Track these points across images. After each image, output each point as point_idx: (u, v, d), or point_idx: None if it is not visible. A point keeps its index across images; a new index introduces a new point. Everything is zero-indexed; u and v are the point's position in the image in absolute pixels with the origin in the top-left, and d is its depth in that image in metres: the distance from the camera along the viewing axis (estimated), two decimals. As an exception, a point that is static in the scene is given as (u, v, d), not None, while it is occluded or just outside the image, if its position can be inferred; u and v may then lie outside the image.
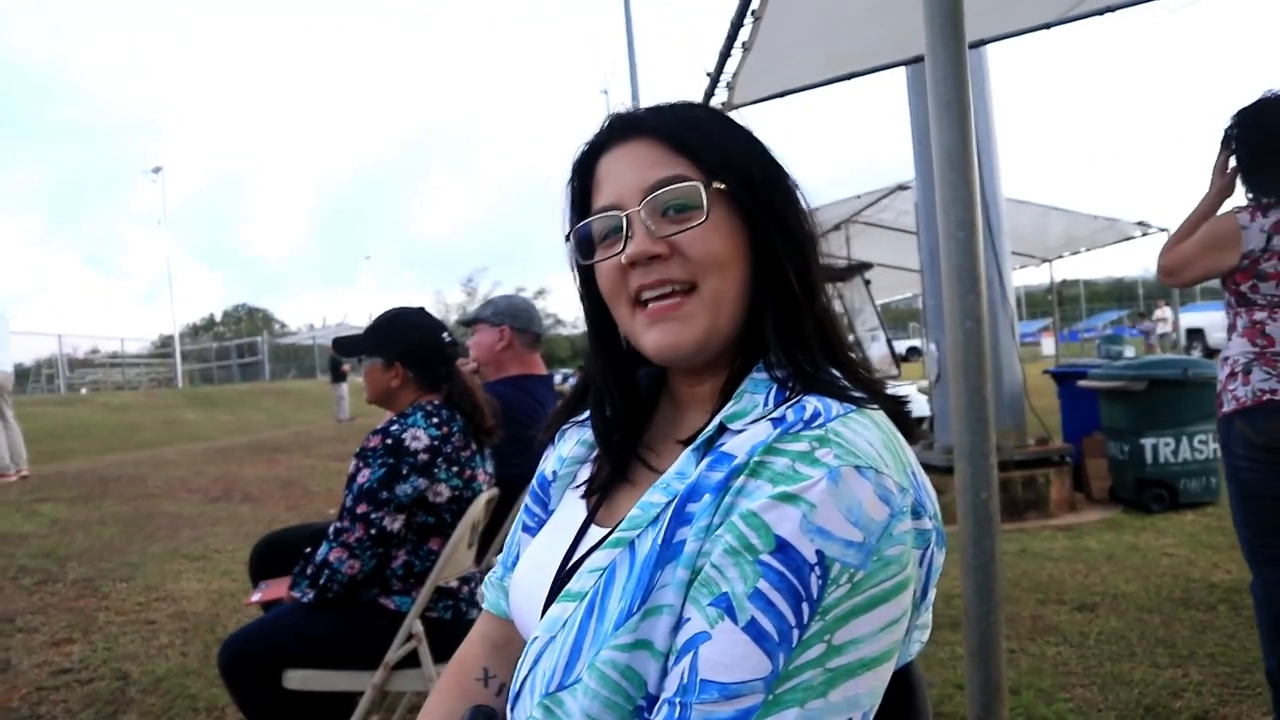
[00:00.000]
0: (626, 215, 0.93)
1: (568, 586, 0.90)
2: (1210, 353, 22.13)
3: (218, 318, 74.52)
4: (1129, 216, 10.56)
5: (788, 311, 0.93)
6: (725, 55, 3.92)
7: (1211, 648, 3.61)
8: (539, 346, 3.63)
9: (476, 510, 2.49)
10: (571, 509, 1.05)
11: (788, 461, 0.80)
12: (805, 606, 0.76)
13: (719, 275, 0.91)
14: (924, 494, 0.84)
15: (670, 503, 0.86)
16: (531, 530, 1.11)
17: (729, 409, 0.90)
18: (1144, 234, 10.68)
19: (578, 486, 1.06)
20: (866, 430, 0.83)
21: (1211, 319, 23.13)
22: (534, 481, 1.12)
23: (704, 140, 0.94)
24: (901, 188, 8.89)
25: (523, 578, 1.04)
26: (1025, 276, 14.00)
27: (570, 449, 1.09)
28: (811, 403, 0.85)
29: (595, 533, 0.98)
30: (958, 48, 1.57)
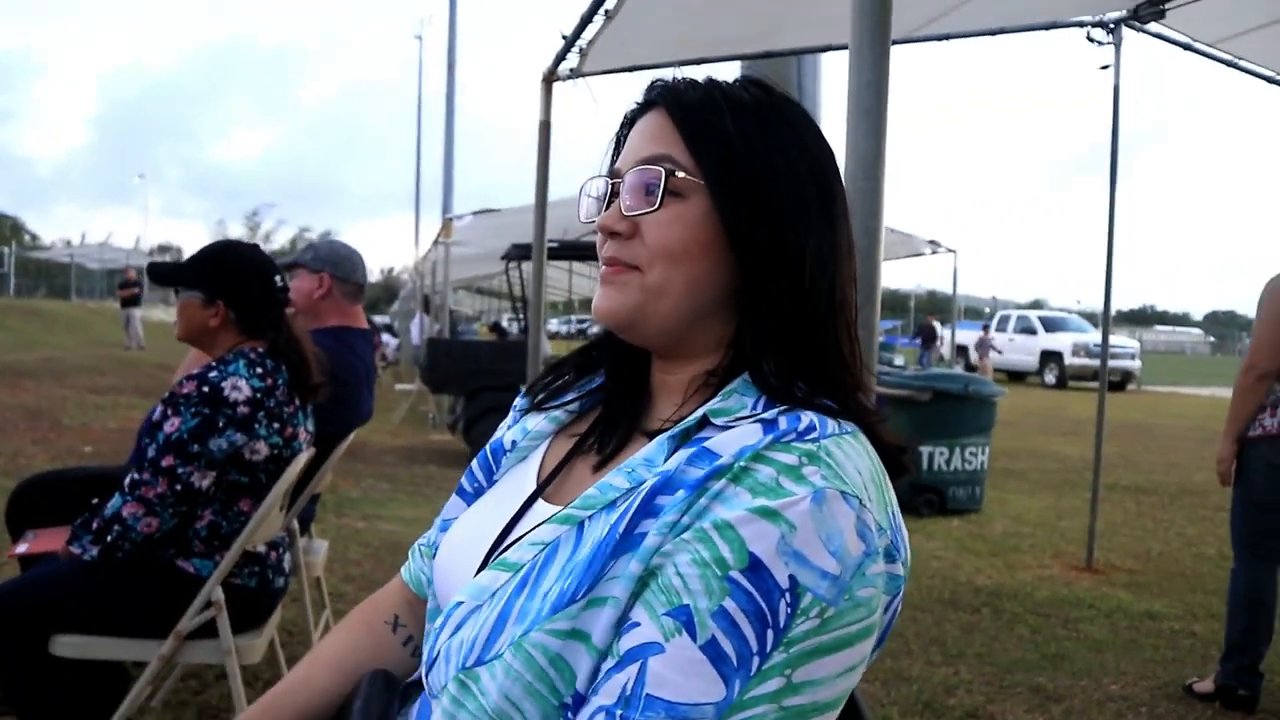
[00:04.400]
0: (613, 183, 0.91)
1: (504, 555, 0.85)
2: (969, 369, 23.96)
3: (-43, 220, 67.02)
4: (921, 234, 11.22)
5: (781, 329, 0.87)
6: (587, 20, 3.82)
7: (978, 648, 3.88)
8: (361, 298, 3.42)
9: (294, 471, 2.30)
10: (519, 480, 0.98)
11: (772, 472, 0.76)
12: (770, 634, 0.71)
13: (666, 266, 0.87)
14: (900, 538, 0.81)
15: (634, 489, 0.82)
16: (468, 496, 1.04)
17: (715, 404, 0.86)
18: (934, 251, 11.37)
19: (526, 460, 1.01)
20: (858, 456, 0.80)
21: (974, 338, 25.07)
22: (487, 446, 1.05)
23: (710, 124, 0.88)
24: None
25: (453, 544, 0.98)
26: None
27: (536, 423, 1.02)
28: (807, 415, 0.81)
29: (542, 508, 0.92)
30: (881, 56, 1.55)
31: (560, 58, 4.42)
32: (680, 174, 0.86)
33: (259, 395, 2.22)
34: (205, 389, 2.16)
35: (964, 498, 6.67)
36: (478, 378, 8.44)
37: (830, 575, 0.72)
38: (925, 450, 6.54)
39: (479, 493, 1.03)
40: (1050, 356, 23.09)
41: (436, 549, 1.01)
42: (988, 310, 31.49)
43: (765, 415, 0.82)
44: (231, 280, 2.33)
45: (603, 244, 0.92)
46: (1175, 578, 5.23)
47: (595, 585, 0.76)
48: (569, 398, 1.03)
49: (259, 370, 2.26)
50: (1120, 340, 24.35)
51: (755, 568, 0.72)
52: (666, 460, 0.83)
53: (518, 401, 1.09)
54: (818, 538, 0.72)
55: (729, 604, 0.71)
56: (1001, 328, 24.49)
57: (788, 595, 0.71)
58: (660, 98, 0.92)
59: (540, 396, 1.05)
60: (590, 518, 0.82)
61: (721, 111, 0.88)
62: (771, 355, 0.86)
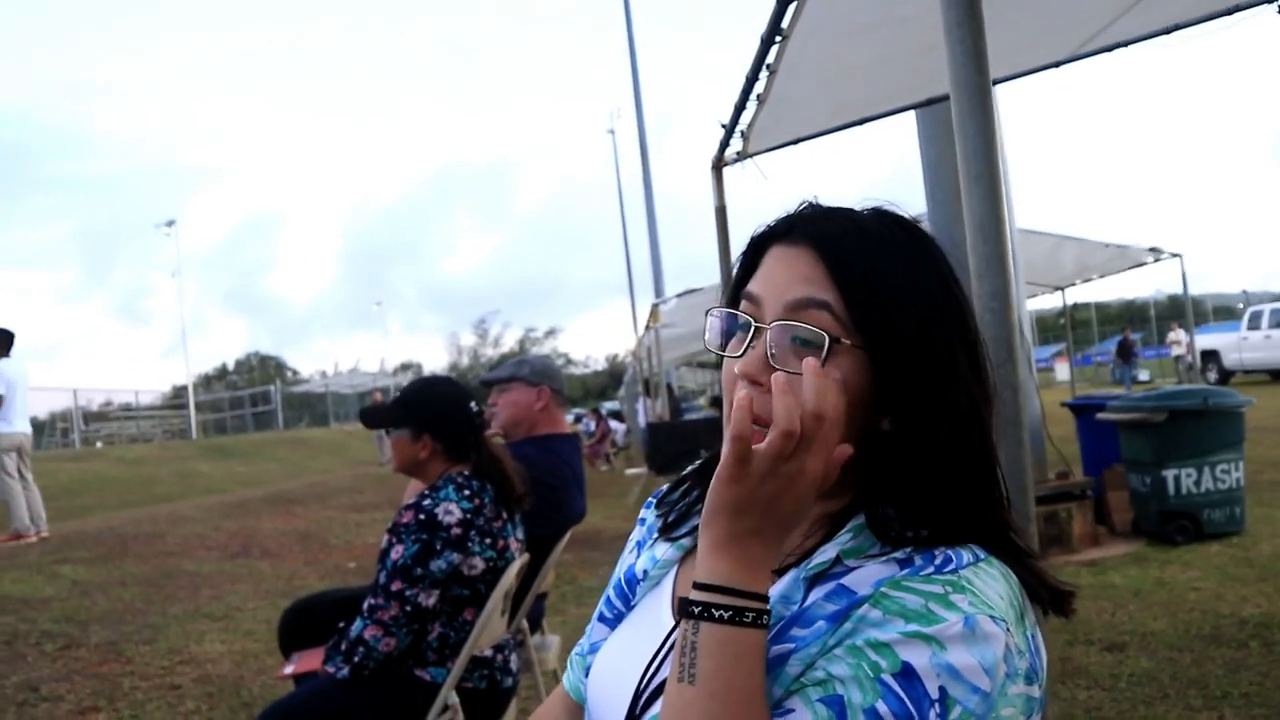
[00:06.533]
0: (757, 325, 0.88)
1: None
2: (1225, 374, 21.98)
3: (230, 366, 74.79)
4: (1140, 242, 10.59)
5: (921, 478, 0.86)
6: (740, 108, 3.98)
7: (1246, 687, 3.58)
8: (566, 407, 3.68)
9: (509, 579, 2.49)
10: (655, 610, 1.00)
11: (920, 600, 0.78)
12: None
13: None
14: (1039, 660, 0.83)
15: (774, 626, 0.83)
16: (609, 622, 1.07)
17: (846, 541, 0.87)
18: (1156, 259, 10.69)
19: (659, 587, 1.03)
20: (996, 582, 0.82)
21: (1227, 340, 22.93)
22: (619, 573, 1.09)
23: (867, 271, 0.86)
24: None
25: (602, 674, 1.01)
26: (1037, 302, 14.05)
27: (664, 550, 1.04)
28: (940, 551, 0.83)
29: None
30: (985, 121, 1.59)
31: (724, 144, 4.60)
32: (845, 341, 0.84)
33: (469, 515, 2.44)
34: (422, 516, 2.40)
35: (1222, 520, 6.15)
36: (697, 457, 8.60)
37: (981, 691, 0.75)
38: (1169, 474, 6.11)
39: (619, 618, 1.05)
40: (1318, 349, 20.79)
41: (589, 667, 1.04)
42: (1240, 306, 28.90)
43: (897, 555, 0.84)
44: (433, 414, 2.60)
45: (734, 384, 0.88)
46: None
47: None
48: (694, 523, 1.01)
49: (466, 492, 2.49)
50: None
51: (908, 674, 0.75)
52: (804, 600, 0.85)
53: (643, 513, 1.13)
54: (970, 655, 0.75)
55: (880, 706, 0.74)
56: (1254, 325, 22.30)
57: (937, 705, 0.74)
58: (803, 232, 0.90)
59: (668, 520, 1.05)
60: None
61: (873, 257, 0.87)
62: (903, 502, 0.86)
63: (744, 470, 0.78)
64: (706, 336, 0.95)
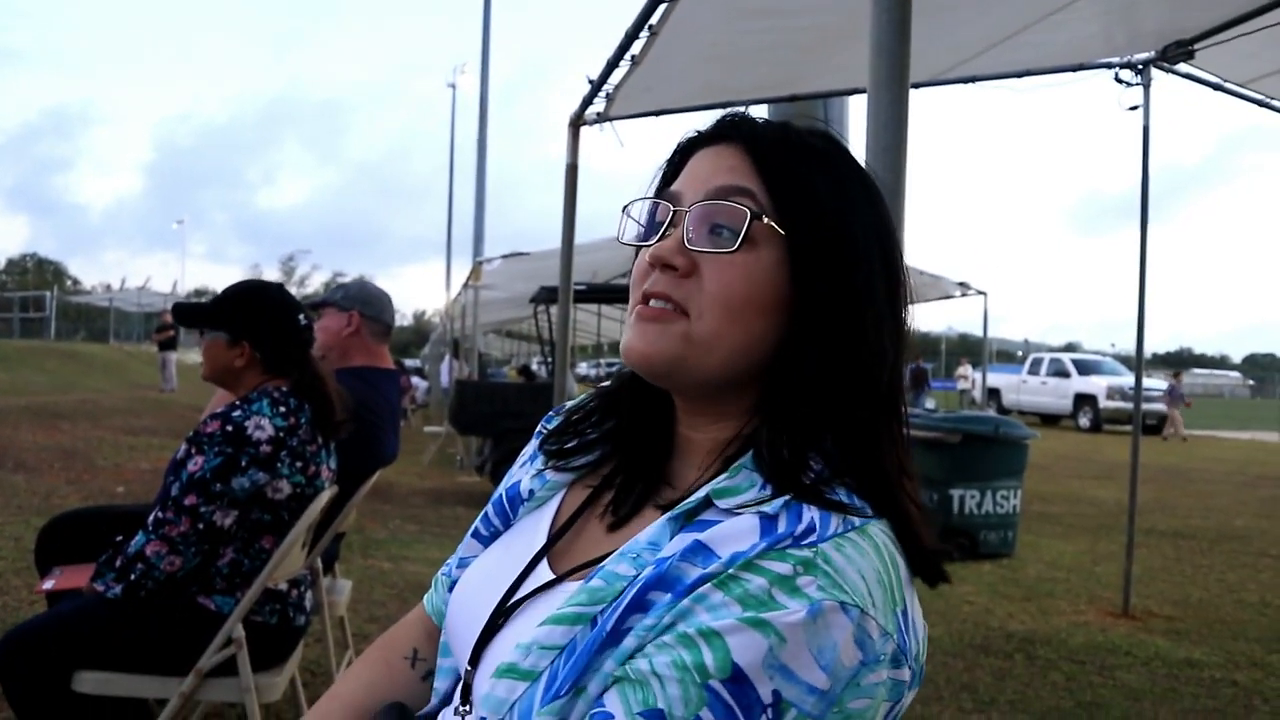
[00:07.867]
0: (675, 210, 0.84)
1: (515, 662, 0.77)
2: (1003, 413, 23.70)
3: (1, 265, 68.38)
4: (950, 276, 11.17)
5: (827, 401, 0.80)
6: (613, 65, 3.86)
7: (1011, 695, 3.79)
8: (388, 338, 3.45)
9: (317, 509, 2.30)
10: (531, 531, 0.94)
11: (764, 583, 0.70)
12: None
13: (722, 319, 0.80)
14: (909, 638, 0.75)
15: (636, 578, 0.76)
16: (483, 540, 1.00)
17: (721, 481, 0.80)
18: (964, 294, 11.32)
19: (542, 508, 0.96)
20: (860, 557, 0.73)
21: (1008, 381, 24.80)
22: (503, 489, 1.00)
23: (793, 168, 0.83)
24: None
25: (466, 591, 0.94)
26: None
27: (554, 474, 0.97)
28: (809, 513, 0.75)
29: (543, 573, 0.87)
30: (901, 92, 1.55)
31: (587, 103, 4.47)
32: (765, 219, 0.80)
33: (282, 434, 2.23)
34: (229, 428, 2.17)
35: (996, 541, 6.56)
36: (505, 420, 8.45)
37: (818, 690, 0.68)
38: (956, 493, 6.46)
39: (494, 536, 0.99)
40: (1084, 399, 22.78)
41: (455, 583, 0.99)
42: (1020, 354, 31.26)
43: (767, 509, 0.76)
44: (256, 320, 2.36)
45: (644, 276, 0.84)
46: (1215, 625, 5.11)
47: (580, 678, 0.73)
48: (589, 457, 0.97)
49: (282, 409, 2.27)
50: (1155, 382, 23.93)
51: (737, 679, 0.68)
52: (668, 545, 0.78)
53: (541, 426, 1.04)
54: (808, 651, 0.68)
55: (705, 715, 0.67)
56: (1034, 370, 24.23)
57: (769, 711, 0.67)
58: (734, 132, 0.86)
59: (562, 446, 0.98)
60: (603, 612, 0.76)
61: (802, 158, 0.84)
62: (799, 429, 0.80)
63: None
64: (621, 235, 0.90)
